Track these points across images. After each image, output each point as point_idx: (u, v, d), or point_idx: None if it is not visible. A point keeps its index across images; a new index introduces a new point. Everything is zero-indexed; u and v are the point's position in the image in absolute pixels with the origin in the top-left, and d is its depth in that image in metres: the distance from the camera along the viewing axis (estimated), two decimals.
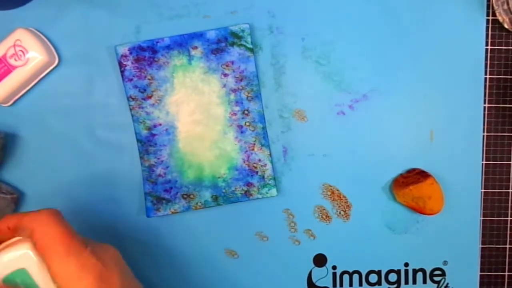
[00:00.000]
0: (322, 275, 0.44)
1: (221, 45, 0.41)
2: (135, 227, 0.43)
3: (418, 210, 0.42)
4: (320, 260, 0.44)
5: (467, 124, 0.43)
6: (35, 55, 0.40)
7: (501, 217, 0.44)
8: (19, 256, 0.29)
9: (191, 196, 0.42)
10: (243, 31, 0.41)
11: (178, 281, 0.44)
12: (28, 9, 0.42)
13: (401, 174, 0.43)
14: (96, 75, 0.42)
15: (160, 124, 0.42)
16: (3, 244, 0.30)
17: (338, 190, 0.44)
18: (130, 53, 0.41)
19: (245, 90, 0.42)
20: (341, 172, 0.43)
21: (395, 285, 0.45)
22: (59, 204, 0.43)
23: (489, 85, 0.43)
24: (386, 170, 0.44)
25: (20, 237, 0.30)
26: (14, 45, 0.39)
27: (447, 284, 0.45)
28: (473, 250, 0.45)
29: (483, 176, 0.44)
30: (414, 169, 0.43)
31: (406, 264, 0.45)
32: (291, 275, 0.44)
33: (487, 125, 0.44)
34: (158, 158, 0.42)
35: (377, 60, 0.43)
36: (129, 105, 0.42)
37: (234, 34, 0.41)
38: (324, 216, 0.44)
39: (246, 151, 0.42)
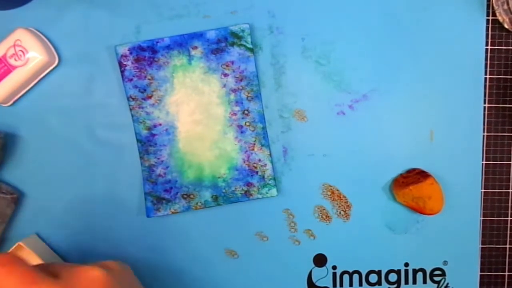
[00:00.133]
0: (322, 275, 0.44)
1: (221, 45, 0.41)
2: (135, 227, 0.43)
3: (418, 210, 0.42)
4: (320, 260, 0.44)
5: (467, 124, 0.44)
6: (35, 55, 0.40)
7: (501, 217, 0.44)
8: None
9: (191, 196, 0.42)
10: (243, 31, 0.41)
11: (178, 281, 0.44)
12: (28, 9, 0.42)
13: (401, 174, 0.43)
14: (96, 75, 0.42)
15: (160, 124, 0.42)
16: None
17: (338, 190, 0.44)
18: (130, 53, 0.41)
19: (245, 90, 0.42)
20: (341, 172, 0.43)
21: (395, 285, 0.45)
22: (59, 204, 0.43)
23: (489, 85, 0.43)
24: (386, 170, 0.44)
25: None
26: (14, 45, 0.39)
27: (447, 284, 0.45)
28: (473, 250, 0.45)
29: (483, 176, 0.44)
30: (414, 169, 0.43)
31: (406, 264, 0.45)
32: (291, 275, 0.44)
33: (487, 125, 0.44)
34: (158, 158, 0.42)
35: (377, 60, 0.43)
36: (129, 105, 0.42)
37: (234, 34, 0.41)
38: (324, 216, 0.44)
39: (246, 151, 0.42)
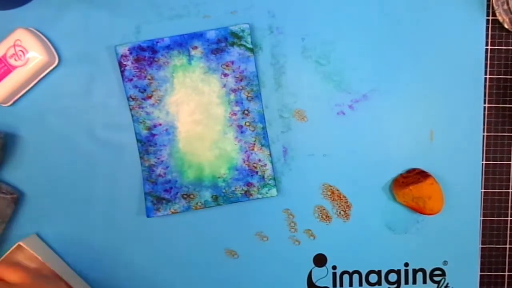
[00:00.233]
0: (322, 275, 0.44)
1: (221, 45, 0.41)
2: (135, 227, 0.43)
3: (418, 210, 0.42)
4: (320, 260, 0.44)
5: (467, 124, 0.43)
6: (35, 55, 0.40)
7: (501, 217, 0.44)
8: None
9: (191, 196, 0.42)
10: (243, 31, 0.41)
11: (178, 281, 0.44)
12: (28, 9, 0.42)
13: (401, 174, 0.43)
14: (96, 75, 0.42)
15: (160, 124, 0.42)
16: None
17: (338, 190, 0.44)
18: (130, 53, 0.41)
19: (245, 90, 0.42)
20: (341, 172, 0.43)
21: (395, 285, 0.45)
22: (59, 204, 0.43)
23: (489, 85, 0.43)
24: (386, 170, 0.44)
25: None
26: (14, 45, 0.39)
27: (447, 284, 0.45)
28: (473, 250, 0.45)
29: (483, 176, 0.44)
30: (414, 169, 0.43)
31: (406, 264, 0.45)
32: (291, 275, 0.44)
33: (487, 125, 0.44)
34: (158, 158, 0.42)
35: (377, 60, 0.43)
36: (129, 105, 0.42)
37: (234, 34, 0.41)
38: (324, 216, 0.44)
39: (246, 151, 0.42)
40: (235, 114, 0.42)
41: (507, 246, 0.45)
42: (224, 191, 0.42)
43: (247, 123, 0.42)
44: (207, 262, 0.44)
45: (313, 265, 0.44)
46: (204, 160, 0.42)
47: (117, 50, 0.41)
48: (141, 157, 0.42)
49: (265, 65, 0.43)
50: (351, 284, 0.45)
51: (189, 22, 0.42)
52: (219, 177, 0.43)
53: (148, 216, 0.42)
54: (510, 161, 0.44)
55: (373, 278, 0.45)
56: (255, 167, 0.42)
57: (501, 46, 0.43)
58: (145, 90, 0.42)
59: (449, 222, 0.44)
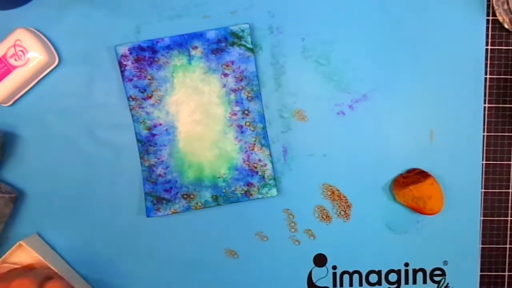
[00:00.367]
0: (322, 275, 0.44)
1: (221, 45, 0.41)
2: (135, 227, 0.43)
3: (418, 210, 0.42)
4: (320, 260, 0.44)
5: (467, 124, 0.43)
6: (35, 55, 0.40)
7: (501, 217, 0.44)
8: None
9: (191, 196, 0.42)
10: (243, 31, 0.41)
11: (178, 281, 0.44)
12: (28, 9, 0.42)
13: (401, 174, 0.43)
14: (96, 75, 0.42)
15: (160, 124, 0.42)
16: None
17: (338, 190, 0.44)
18: (130, 53, 0.41)
19: (245, 90, 0.42)
20: (341, 172, 0.43)
21: (395, 285, 0.45)
22: (59, 204, 0.43)
23: (489, 85, 0.43)
24: (386, 170, 0.44)
25: None
26: (14, 45, 0.39)
27: (447, 284, 0.45)
28: (473, 250, 0.45)
29: (483, 176, 0.44)
30: (414, 169, 0.43)
31: (406, 264, 0.45)
32: (291, 275, 0.44)
33: (487, 125, 0.44)
34: (158, 158, 0.42)
35: (377, 60, 0.43)
36: (129, 105, 0.42)
37: (234, 34, 0.41)
38: (324, 216, 0.44)
39: (246, 151, 0.42)
40: (235, 114, 0.42)
41: (507, 246, 0.45)
42: (224, 191, 0.42)
43: (247, 123, 0.42)
44: (207, 262, 0.44)
45: (313, 265, 0.44)
46: (204, 160, 0.42)
47: (117, 50, 0.41)
48: (141, 157, 0.42)
49: (265, 65, 0.43)
50: (351, 284, 0.45)
51: (189, 22, 0.42)
52: (219, 177, 0.43)
53: (148, 216, 0.42)
54: (510, 161, 0.44)
55: (373, 278, 0.45)
56: (255, 167, 0.42)
57: (501, 46, 0.43)
58: (145, 90, 0.42)
59: (449, 222, 0.44)
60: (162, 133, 0.42)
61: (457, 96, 0.43)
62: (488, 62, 0.43)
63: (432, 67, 0.43)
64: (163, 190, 0.42)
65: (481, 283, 0.45)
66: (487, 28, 0.43)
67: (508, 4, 0.40)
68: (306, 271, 0.44)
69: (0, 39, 0.40)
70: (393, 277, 0.45)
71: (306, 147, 0.43)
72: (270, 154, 0.43)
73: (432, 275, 0.45)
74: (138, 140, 0.42)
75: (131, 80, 0.41)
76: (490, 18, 0.43)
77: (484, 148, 0.44)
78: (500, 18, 0.42)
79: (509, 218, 0.44)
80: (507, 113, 0.44)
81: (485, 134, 0.44)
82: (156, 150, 0.42)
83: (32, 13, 0.41)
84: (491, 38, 0.43)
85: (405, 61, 0.43)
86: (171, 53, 0.41)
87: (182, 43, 0.41)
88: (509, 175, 0.44)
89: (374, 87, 0.43)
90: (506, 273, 0.45)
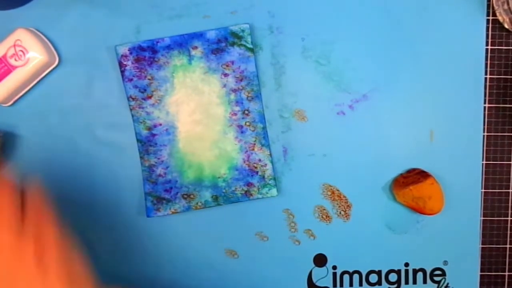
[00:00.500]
0: (322, 275, 0.44)
1: (221, 45, 0.41)
2: (135, 227, 0.43)
3: (418, 210, 0.42)
4: (320, 260, 0.44)
5: (467, 124, 0.43)
6: (35, 55, 0.40)
7: (501, 217, 0.44)
8: None
9: (191, 196, 0.42)
10: (243, 31, 0.41)
11: (178, 281, 0.44)
12: (28, 9, 0.42)
13: (401, 174, 0.43)
14: (96, 75, 0.42)
15: (160, 124, 0.42)
16: None
17: (338, 190, 0.44)
18: (130, 53, 0.41)
19: (245, 90, 0.42)
20: (341, 172, 0.43)
21: (395, 285, 0.45)
22: (58, 204, 0.43)
23: (489, 85, 0.43)
24: (386, 170, 0.44)
25: None
26: (14, 45, 0.39)
27: (447, 284, 0.45)
28: (473, 250, 0.45)
29: (483, 176, 0.44)
30: (414, 169, 0.43)
31: (406, 264, 0.45)
32: (291, 275, 0.44)
33: (487, 125, 0.44)
34: (158, 158, 0.42)
35: (377, 60, 0.43)
36: (129, 105, 0.42)
37: (234, 34, 0.41)
38: (324, 216, 0.44)
39: (246, 151, 0.42)
40: (235, 114, 0.42)
41: (507, 246, 0.45)
42: (224, 191, 0.42)
43: (247, 123, 0.42)
44: (207, 262, 0.44)
45: (313, 265, 0.44)
46: (204, 160, 0.42)
47: (117, 50, 0.41)
48: (141, 157, 0.42)
49: (265, 65, 0.43)
50: (351, 284, 0.45)
51: (189, 22, 0.42)
52: (219, 177, 0.43)
53: (148, 216, 0.42)
54: (510, 161, 0.44)
55: (373, 278, 0.45)
56: (255, 167, 0.42)
57: (501, 46, 0.43)
58: (145, 90, 0.42)
59: (449, 222, 0.44)
60: (162, 133, 0.42)
61: (457, 96, 0.43)
62: (488, 62, 0.43)
63: (432, 67, 0.43)
64: (163, 190, 0.42)
65: (481, 283, 0.45)
66: (487, 28, 0.43)
67: (508, 4, 0.40)
68: (306, 271, 0.44)
69: (0, 39, 0.40)
70: (393, 277, 0.45)
71: (306, 147, 0.43)
72: (270, 154, 0.43)
73: (432, 275, 0.45)
74: (138, 140, 0.42)
75: (131, 80, 0.41)
76: (490, 18, 0.43)
77: (484, 148, 0.44)
78: (500, 18, 0.42)
79: (509, 218, 0.44)
80: (507, 113, 0.44)
81: (485, 134, 0.44)
82: (156, 150, 0.42)
83: (32, 13, 0.41)
84: (491, 38, 0.43)
85: (405, 61, 0.43)
86: (171, 53, 0.41)
87: (182, 43, 0.41)
88: (509, 175, 0.44)
89: (374, 87, 0.43)
90: (506, 273, 0.45)
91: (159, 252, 0.44)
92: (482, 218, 0.44)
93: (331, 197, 0.44)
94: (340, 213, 0.44)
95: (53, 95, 0.42)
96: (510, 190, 0.44)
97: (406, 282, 0.45)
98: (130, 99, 0.42)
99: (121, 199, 0.43)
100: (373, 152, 0.43)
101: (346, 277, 0.45)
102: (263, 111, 0.42)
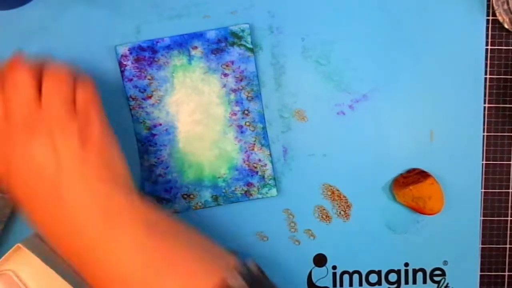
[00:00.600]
0: (322, 275, 0.44)
1: (221, 45, 0.41)
2: None
3: (418, 210, 0.42)
4: (320, 260, 0.44)
5: (467, 124, 0.43)
6: None
7: (501, 217, 0.44)
8: None
9: (191, 196, 0.42)
10: (243, 31, 0.41)
11: None
12: (28, 9, 0.42)
13: (401, 174, 0.43)
14: (96, 75, 0.42)
15: (160, 124, 0.42)
16: None
17: (338, 190, 0.44)
18: (130, 53, 0.41)
19: (245, 90, 0.42)
20: (341, 172, 0.43)
21: (395, 285, 0.45)
22: None
23: (489, 85, 0.43)
24: (386, 170, 0.44)
25: None
26: None
27: (447, 284, 0.45)
28: (473, 250, 0.45)
29: (483, 176, 0.44)
30: (414, 169, 0.43)
31: (406, 264, 0.45)
32: (291, 275, 0.44)
33: (487, 125, 0.44)
34: (158, 158, 0.42)
35: (377, 60, 0.43)
36: (129, 105, 0.42)
37: (234, 34, 0.41)
38: (324, 216, 0.44)
39: (246, 151, 0.42)
40: (235, 114, 0.42)
41: (507, 246, 0.45)
42: (224, 191, 0.42)
43: (247, 123, 0.42)
44: None
45: (313, 265, 0.44)
46: (204, 160, 0.42)
47: (117, 50, 0.41)
48: (140, 157, 0.42)
49: (265, 65, 0.43)
50: (351, 284, 0.45)
51: (189, 22, 0.42)
52: (219, 177, 0.43)
53: None
54: (510, 161, 0.44)
55: (373, 278, 0.45)
56: (255, 167, 0.42)
57: (501, 46, 0.43)
58: (145, 90, 0.42)
59: (449, 222, 0.44)
60: (162, 133, 0.42)
61: (457, 96, 0.43)
62: (488, 62, 0.43)
63: (432, 67, 0.43)
64: (163, 190, 0.42)
65: (481, 283, 0.45)
66: (487, 28, 0.43)
67: (508, 4, 0.40)
68: (306, 271, 0.44)
69: (0, 39, 0.40)
70: (393, 277, 0.45)
71: (306, 147, 0.43)
72: (270, 154, 0.43)
73: (432, 275, 0.45)
74: (138, 140, 0.42)
75: (131, 80, 0.41)
76: (490, 18, 0.43)
77: (484, 148, 0.44)
78: (500, 18, 0.42)
79: (509, 218, 0.44)
80: (507, 113, 0.44)
81: (485, 134, 0.44)
82: (156, 150, 0.42)
83: (32, 13, 0.41)
84: (491, 38, 0.43)
85: (405, 61, 0.43)
86: (171, 53, 0.41)
87: (182, 43, 0.41)
88: (509, 175, 0.44)
89: (374, 87, 0.43)
90: (506, 273, 0.45)
91: None
92: (482, 218, 0.44)
93: (331, 197, 0.44)
94: (340, 213, 0.44)
95: None
96: (510, 190, 0.44)
97: (406, 282, 0.45)
98: (130, 99, 0.42)
99: None
100: (373, 152, 0.43)
101: (346, 277, 0.45)
102: (263, 111, 0.42)
